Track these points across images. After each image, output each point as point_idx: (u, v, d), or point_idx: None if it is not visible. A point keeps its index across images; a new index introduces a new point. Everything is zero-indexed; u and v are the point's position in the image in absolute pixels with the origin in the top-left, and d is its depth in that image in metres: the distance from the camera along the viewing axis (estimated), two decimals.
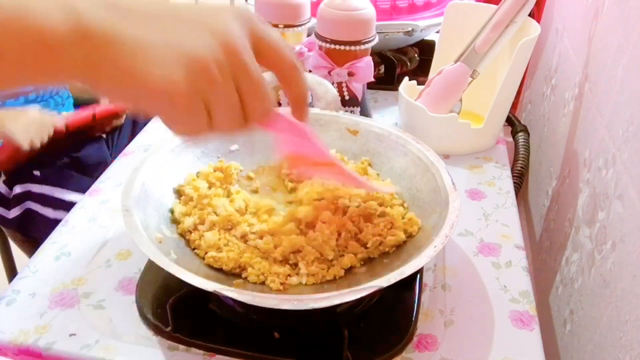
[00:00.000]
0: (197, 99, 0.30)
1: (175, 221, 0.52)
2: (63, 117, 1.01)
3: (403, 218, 0.52)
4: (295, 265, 0.48)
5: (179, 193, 0.55)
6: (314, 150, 0.45)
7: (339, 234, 0.50)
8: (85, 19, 0.28)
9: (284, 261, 0.48)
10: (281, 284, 0.46)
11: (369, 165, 0.60)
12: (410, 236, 0.50)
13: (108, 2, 0.29)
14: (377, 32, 0.73)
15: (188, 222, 0.50)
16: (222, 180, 0.57)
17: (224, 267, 0.47)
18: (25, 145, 0.92)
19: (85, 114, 1.04)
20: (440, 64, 0.77)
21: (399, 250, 0.50)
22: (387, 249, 0.50)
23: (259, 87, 0.32)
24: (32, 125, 0.93)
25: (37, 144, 0.94)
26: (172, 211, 0.53)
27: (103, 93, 0.30)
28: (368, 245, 0.49)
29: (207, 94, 0.30)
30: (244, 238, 0.50)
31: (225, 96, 0.31)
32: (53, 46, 0.27)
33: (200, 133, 0.33)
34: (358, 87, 0.73)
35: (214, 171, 0.57)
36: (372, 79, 0.74)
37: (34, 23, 0.27)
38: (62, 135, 1.00)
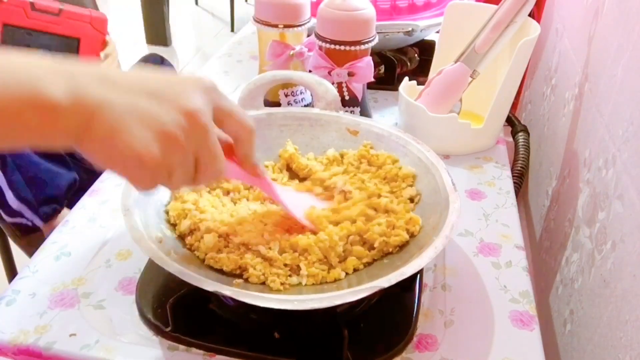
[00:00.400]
0: (164, 165, 0.35)
1: (171, 222, 0.52)
2: None
3: (408, 212, 0.52)
4: (297, 266, 0.48)
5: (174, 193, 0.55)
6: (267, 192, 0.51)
7: (346, 238, 0.50)
8: (82, 88, 0.32)
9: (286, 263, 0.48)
10: (281, 284, 0.46)
11: (371, 148, 0.60)
12: (412, 236, 0.50)
13: (100, 75, 0.34)
14: (377, 32, 0.73)
15: (184, 225, 0.50)
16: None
17: (224, 268, 0.47)
18: None
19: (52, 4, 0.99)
20: (440, 64, 0.77)
21: (400, 250, 0.50)
22: (390, 249, 0.50)
23: (214, 155, 0.37)
24: None
25: None
26: (167, 212, 0.52)
27: (86, 153, 0.34)
28: (375, 245, 0.49)
29: (172, 161, 0.35)
30: (245, 245, 0.50)
31: (186, 162, 0.36)
32: (55, 110, 0.31)
33: (157, 188, 0.37)
34: (358, 87, 0.73)
35: None
36: (372, 79, 0.74)
37: (43, 91, 0.31)
38: None
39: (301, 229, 0.51)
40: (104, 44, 1.03)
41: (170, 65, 1.27)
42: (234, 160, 0.43)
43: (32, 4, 0.93)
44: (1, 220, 1.03)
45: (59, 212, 0.89)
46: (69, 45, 0.98)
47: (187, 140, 0.35)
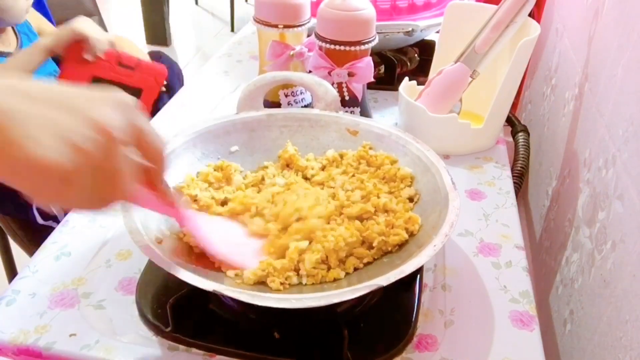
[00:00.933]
0: (70, 176, 0.33)
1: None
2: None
3: (408, 211, 0.52)
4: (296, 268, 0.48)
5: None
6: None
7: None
8: None
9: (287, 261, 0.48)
10: (281, 283, 0.46)
11: (370, 148, 0.60)
12: (411, 235, 0.50)
13: (8, 86, 0.32)
14: (377, 32, 0.73)
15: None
16: (220, 180, 0.57)
17: (223, 268, 0.47)
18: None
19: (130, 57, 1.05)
20: (440, 64, 0.77)
21: (399, 249, 0.50)
22: (390, 248, 0.50)
23: (119, 172, 0.35)
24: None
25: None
26: None
27: None
28: (374, 245, 0.49)
29: (79, 173, 0.33)
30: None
31: (93, 176, 0.34)
32: None
33: (58, 204, 0.35)
34: (358, 88, 0.73)
35: (214, 170, 0.57)
36: (372, 79, 0.74)
37: None
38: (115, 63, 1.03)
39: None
40: (159, 94, 1.08)
41: (169, 60, 1.28)
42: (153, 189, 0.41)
43: (119, 59, 1.02)
44: (10, 220, 1.04)
45: None
46: (133, 94, 1.04)
47: (96, 154, 0.33)
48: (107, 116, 0.34)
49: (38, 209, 0.99)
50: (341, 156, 0.61)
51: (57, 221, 0.95)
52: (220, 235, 0.49)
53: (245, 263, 0.47)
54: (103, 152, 0.33)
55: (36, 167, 0.31)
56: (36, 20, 1.18)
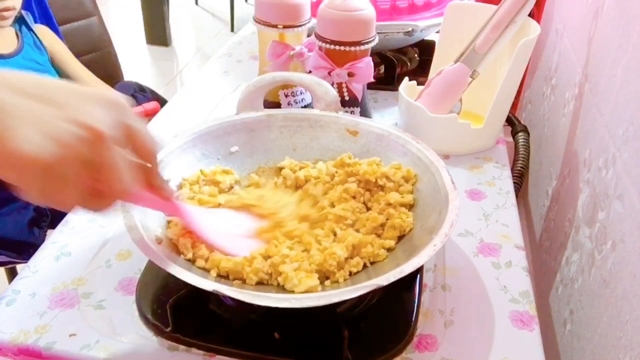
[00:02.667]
0: (55, 171, 0.32)
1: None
2: None
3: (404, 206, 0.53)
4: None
5: (181, 186, 0.55)
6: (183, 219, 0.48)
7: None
8: None
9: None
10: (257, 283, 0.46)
11: (377, 165, 0.58)
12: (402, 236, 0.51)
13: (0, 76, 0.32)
14: (377, 32, 0.73)
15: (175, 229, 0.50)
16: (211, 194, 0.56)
17: (220, 272, 0.47)
18: None
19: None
20: (440, 64, 0.77)
21: (399, 249, 0.50)
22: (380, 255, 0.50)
23: (115, 170, 0.35)
24: None
25: None
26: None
27: None
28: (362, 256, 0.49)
29: (65, 169, 0.32)
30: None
31: (81, 174, 0.33)
32: None
33: (53, 203, 0.34)
34: (358, 88, 0.73)
35: (203, 180, 0.57)
36: (372, 79, 0.74)
37: None
38: None
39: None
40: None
41: (146, 94, 1.29)
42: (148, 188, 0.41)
43: None
44: None
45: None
46: None
47: (83, 150, 0.32)
48: (96, 115, 0.33)
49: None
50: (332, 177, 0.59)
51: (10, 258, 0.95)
52: (215, 226, 0.50)
53: (238, 252, 0.47)
54: (89, 148, 0.33)
55: (18, 160, 0.31)
56: (49, 39, 1.18)
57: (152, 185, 0.41)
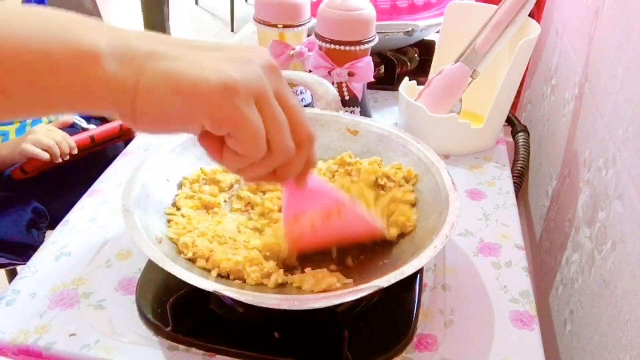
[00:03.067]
0: (251, 97, 0.31)
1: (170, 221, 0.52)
2: (89, 130, 1.03)
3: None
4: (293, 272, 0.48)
5: (181, 185, 0.55)
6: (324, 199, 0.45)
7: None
8: (129, 40, 0.30)
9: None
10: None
11: (378, 164, 0.59)
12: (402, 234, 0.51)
13: (149, 35, 0.31)
14: (377, 32, 0.73)
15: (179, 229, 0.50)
16: (207, 203, 0.56)
17: (221, 272, 0.47)
18: (45, 157, 0.92)
19: (112, 125, 1.05)
20: (440, 64, 0.77)
21: (399, 250, 0.50)
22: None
23: (295, 107, 0.34)
24: (53, 138, 0.94)
25: (59, 158, 0.94)
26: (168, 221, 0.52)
27: (139, 111, 0.30)
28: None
29: (256, 88, 0.31)
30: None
31: (269, 97, 0.32)
32: (99, 60, 0.28)
33: (260, 141, 0.33)
34: (358, 87, 0.73)
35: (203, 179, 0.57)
36: (372, 79, 0.74)
37: (85, 39, 0.28)
38: (88, 146, 1.01)
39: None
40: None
41: None
42: None
43: (91, 141, 1.02)
44: None
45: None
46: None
47: (257, 76, 0.32)
48: (266, 58, 0.33)
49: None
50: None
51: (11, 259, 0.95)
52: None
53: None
54: (275, 82, 0.32)
55: (199, 89, 0.30)
56: None
57: (304, 169, 0.38)
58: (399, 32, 0.86)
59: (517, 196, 0.71)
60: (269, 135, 0.33)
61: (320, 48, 0.73)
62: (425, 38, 0.97)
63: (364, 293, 0.40)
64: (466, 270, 0.57)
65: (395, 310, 0.50)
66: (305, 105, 0.80)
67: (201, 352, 0.47)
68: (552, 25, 0.91)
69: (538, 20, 0.96)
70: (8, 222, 0.95)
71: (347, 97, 0.74)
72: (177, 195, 0.54)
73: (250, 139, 0.32)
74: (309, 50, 0.77)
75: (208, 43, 0.33)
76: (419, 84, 0.80)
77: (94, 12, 1.37)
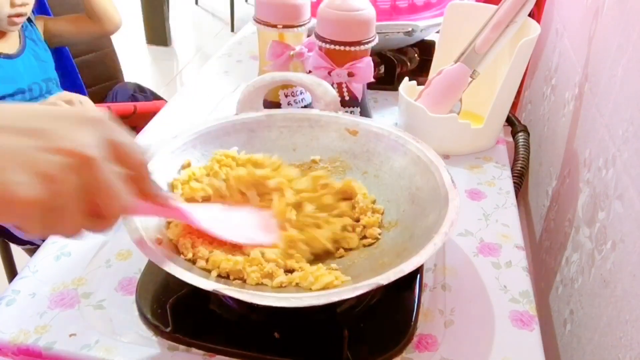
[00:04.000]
0: (48, 207, 0.31)
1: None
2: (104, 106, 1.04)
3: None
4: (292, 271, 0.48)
5: (171, 187, 0.55)
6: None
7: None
8: None
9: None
10: (281, 283, 0.46)
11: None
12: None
13: None
14: (377, 32, 0.73)
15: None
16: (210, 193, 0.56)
17: (221, 273, 0.47)
18: None
19: (127, 105, 1.05)
20: (440, 64, 0.77)
21: (398, 248, 0.50)
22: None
23: (110, 189, 0.34)
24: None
25: None
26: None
27: None
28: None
29: (57, 202, 0.32)
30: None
31: (75, 202, 0.32)
32: None
33: (56, 234, 0.34)
34: (358, 88, 0.73)
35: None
36: (372, 79, 0.74)
37: None
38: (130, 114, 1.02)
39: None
40: None
41: (146, 94, 1.29)
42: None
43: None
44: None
45: None
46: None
47: (71, 177, 0.32)
48: (80, 138, 0.33)
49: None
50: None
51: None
52: (220, 220, 0.50)
53: (262, 241, 0.48)
54: (80, 174, 0.32)
55: (12, 205, 0.30)
56: (43, 24, 1.18)
57: (147, 194, 0.40)
58: (399, 32, 0.86)
59: (517, 196, 0.71)
60: (96, 204, 0.34)
61: (320, 48, 0.73)
62: (425, 38, 0.97)
63: (363, 290, 0.40)
64: (466, 270, 0.57)
65: (395, 310, 0.50)
66: (304, 106, 0.81)
67: (201, 352, 0.47)
68: (552, 25, 0.91)
69: (538, 20, 0.96)
70: None
71: (347, 98, 0.74)
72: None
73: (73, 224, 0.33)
74: (309, 50, 0.77)
75: (27, 122, 0.32)
76: (419, 84, 0.80)
77: None
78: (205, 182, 0.55)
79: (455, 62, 0.74)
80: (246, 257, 0.47)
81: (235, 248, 0.49)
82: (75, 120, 0.34)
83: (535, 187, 0.86)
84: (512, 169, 0.79)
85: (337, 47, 0.70)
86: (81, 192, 0.33)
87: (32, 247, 1.04)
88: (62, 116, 0.34)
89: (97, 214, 0.35)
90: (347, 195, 0.56)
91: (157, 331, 0.48)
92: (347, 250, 0.52)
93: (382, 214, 0.55)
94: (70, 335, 0.48)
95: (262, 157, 0.58)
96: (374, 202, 0.57)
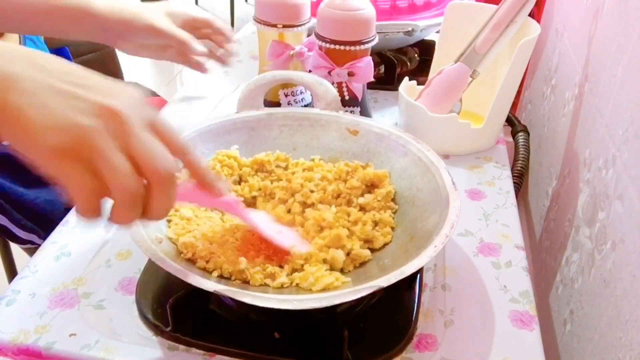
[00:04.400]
0: (68, 159, 0.31)
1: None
2: None
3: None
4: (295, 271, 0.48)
5: None
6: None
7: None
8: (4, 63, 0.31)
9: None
10: (281, 284, 0.46)
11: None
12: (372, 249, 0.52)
13: (27, 55, 0.32)
14: (377, 32, 0.73)
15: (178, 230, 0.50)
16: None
17: (223, 274, 0.47)
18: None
19: None
20: (440, 64, 0.77)
21: (399, 250, 0.50)
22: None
23: (149, 150, 0.33)
24: None
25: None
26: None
27: (6, 137, 0.31)
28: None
29: (88, 158, 0.32)
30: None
31: (112, 158, 0.32)
32: None
33: (91, 199, 0.33)
34: (358, 87, 0.73)
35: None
36: (372, 79, 0.74)
37: None
38: None
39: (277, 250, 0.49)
40: None
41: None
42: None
43: None
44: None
45: None
46: None
47: (108, 134, 0.32)
48: (119, 104, 0.33)
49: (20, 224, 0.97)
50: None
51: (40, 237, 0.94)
52: (266, 223, 0.50)
53: (297, 247, 0.49)
54: (117, 136, 0.32)
55: (33, 136, 0.31)
56: None
57: (202, 182, 0.39)
58: (399, 32, 0.86)
59: (517, 196, 0.71)
60: (140, 165, 0.33)
61: (320, 48, 0.73)
62: (425, 38, 0.97)
63: (364, 293, 0.40)
64: (466, 270, 0.57)
65: (395, 310, 0.50)
66: (305, 105, 0.81)
67: (201, 352, 0.47)
68: (552, 25, 0.91)
69: (538, 20, 0.96)
70: (47, 197, 0.91)
71: (347, 97, 0.74)
72: None
73: (78, 196, 0.33)
74: (309, 50, 0.77)
75: (75, 74, 0.33)
76: (419, 84, 0.80)
77: None
78: None
79: (455, 62, 0.74)
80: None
81: (274, 254, 0.49)
82: (122, 89, 0.34)
83: (535, 187, 0.86)
84: (512, 169, 0.79)
85: (337, 47, 0.70)
86: (115, 149, 0.32)
87: (32, 247, 1.03)
88: (110, 87, 0.34)
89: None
90: (374, 184, 0.57)
91: (157, 331, 0.48)
92: (361, 265, 0.50)
93: (395, 212, 0.55)
94: (70, 335, 0.48)
95: (265, 156, 0.59)
96: (393, 199, 0.56)
